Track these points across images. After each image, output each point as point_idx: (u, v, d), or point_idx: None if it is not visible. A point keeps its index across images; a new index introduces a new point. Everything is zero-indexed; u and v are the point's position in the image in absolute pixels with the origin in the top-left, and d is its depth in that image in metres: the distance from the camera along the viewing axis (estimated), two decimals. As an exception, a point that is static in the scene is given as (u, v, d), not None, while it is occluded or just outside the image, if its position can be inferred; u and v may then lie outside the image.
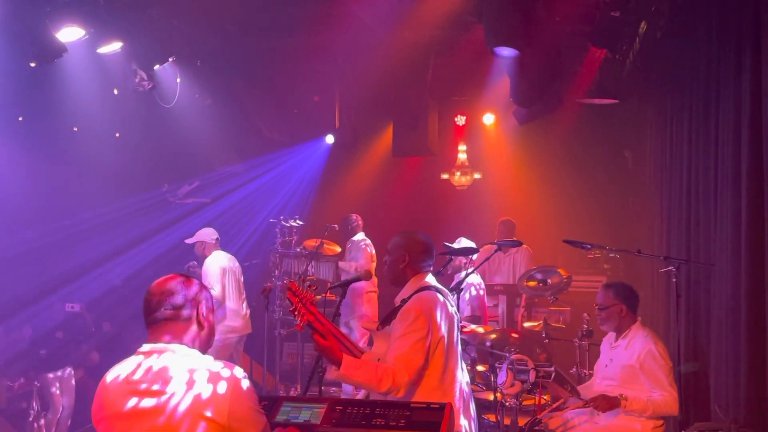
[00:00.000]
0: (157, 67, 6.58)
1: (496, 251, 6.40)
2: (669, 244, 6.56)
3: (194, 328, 2.54)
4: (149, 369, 2.42)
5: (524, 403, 5.00)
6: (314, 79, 8.02)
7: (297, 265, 8.25)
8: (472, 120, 9.96)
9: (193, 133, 7.77)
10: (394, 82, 8.06)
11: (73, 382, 6.85)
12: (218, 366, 2.46)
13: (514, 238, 8.18)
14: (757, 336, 4.19)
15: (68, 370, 6.83)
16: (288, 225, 8.36)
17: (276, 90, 8.15)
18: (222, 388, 2.38)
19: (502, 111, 9.38)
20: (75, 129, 7.88)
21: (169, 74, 6.86)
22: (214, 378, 2.40)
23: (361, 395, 6.62)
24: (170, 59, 6.62)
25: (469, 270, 6.31)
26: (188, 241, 7.17)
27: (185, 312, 2.52)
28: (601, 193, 9.45)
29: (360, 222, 8.39)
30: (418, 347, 3.37)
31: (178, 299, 2.52)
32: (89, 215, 8.17)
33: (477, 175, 10.04)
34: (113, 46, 6.06)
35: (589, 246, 5.29)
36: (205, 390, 2.37)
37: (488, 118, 9.83)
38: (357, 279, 4.28)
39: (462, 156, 10.01)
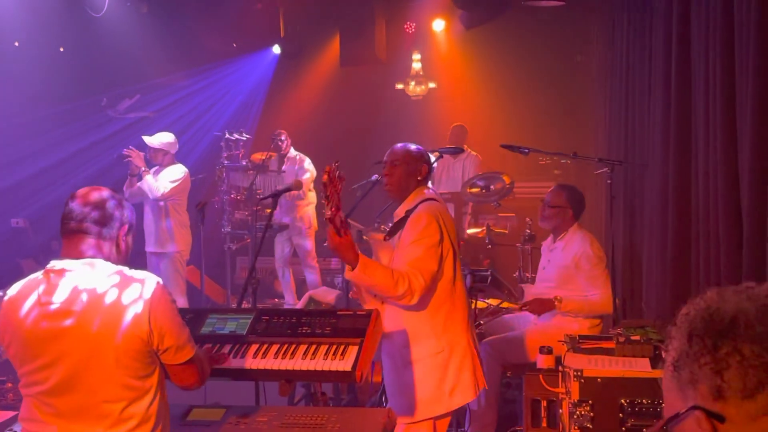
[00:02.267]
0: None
1: (438, 159, 6.35)
2: (610, 148, 6.60)
3: (112, 247, 2.41)
4: (63, 287, 2.28)
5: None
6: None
7: (244, 179, 8.14)
8: (422, 27, 9.70)
9: (129, 44, 7.44)
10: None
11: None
12: (136, 274, 2.35)
13: (465, 144, 8.18)
14: (683, 234, 4.27)
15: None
16: (234, 138, 8.18)
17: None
18: (141, 295, 2.28)
19: (452, 17, 9.15)
20: (16, 44, 7.55)
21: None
22: (132, 287, 2.29)
23: (300, 306, 6.69)
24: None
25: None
26: (153, 144, 6.55)
27: (108, 230, 2.38)
28: (553, 99, 9.40)
29: (289, 139, 8.09)
30: (432, 252, 3.30)
31: (106, 214, 2.38)
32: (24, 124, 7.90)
33: (432, 84, 9.90)
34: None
35: (526, 150, 5.22)
36: (123, 301, 2.26)
37: (438, 24, 9.58)
38: (288, 189, 4.26)
39: (416, 65, 9.82)
